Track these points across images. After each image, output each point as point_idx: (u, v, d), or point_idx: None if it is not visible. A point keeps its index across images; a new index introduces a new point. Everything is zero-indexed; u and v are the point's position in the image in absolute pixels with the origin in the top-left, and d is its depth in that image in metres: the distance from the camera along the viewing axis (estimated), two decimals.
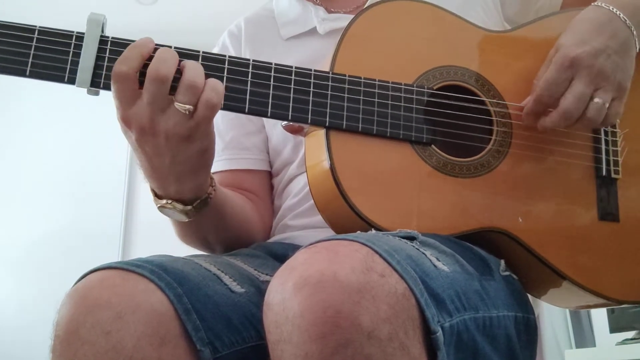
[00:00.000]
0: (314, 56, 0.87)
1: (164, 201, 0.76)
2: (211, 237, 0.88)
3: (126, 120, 0.69)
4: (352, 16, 0.82)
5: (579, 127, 0.82)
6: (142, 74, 0.68)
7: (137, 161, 0.74)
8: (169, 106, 0.68)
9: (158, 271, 0.63)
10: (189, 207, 0.77)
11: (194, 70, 0.68)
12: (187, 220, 0.79)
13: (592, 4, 0.84)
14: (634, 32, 0.81)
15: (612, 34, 0.80)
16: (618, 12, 0.81)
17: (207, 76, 0.70)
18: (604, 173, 0.84)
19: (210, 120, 0.70)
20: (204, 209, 0.78)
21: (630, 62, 0.81)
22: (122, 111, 0.69)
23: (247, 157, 0.98)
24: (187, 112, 0.67)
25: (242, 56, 1.01)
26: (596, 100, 0.77)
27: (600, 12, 0.82)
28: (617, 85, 0.79)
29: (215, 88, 0.69)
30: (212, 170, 0.99)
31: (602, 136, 0.86)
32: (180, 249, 0.87)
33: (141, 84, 0.68)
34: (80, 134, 3.51)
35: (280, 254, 0.86)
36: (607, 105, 0.78)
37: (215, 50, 1.05)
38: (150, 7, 3.41)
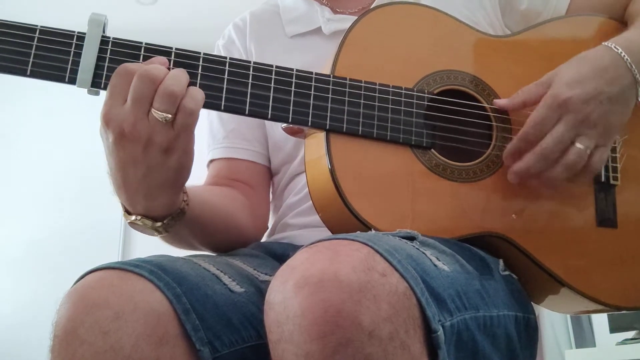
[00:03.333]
0: (318, 56, 0.87)
1: (134, 217, 0.73)
2: (196, 243, 0.87)
3: (107, 119, 0.66)
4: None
5: (559, 174, 0.75)
6: None
7: (108, 170, 0.70)
8: (151, 112, 0.66)
9: (157, 271, 0.63)
10: (159, 224, 0.74)
11: (174, 78, 0.66)
12: (159, 236, 0.77)
13: (604, 43, 0.80)
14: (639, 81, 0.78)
15: (611, 80, 0.76)
16: (626, 58, 0.77)
17: (207, 78, 0.70)
18: (602, 179, 0.84)
19: (190, 129, 0.68)
20: (176, 225, 0.76)
21: (625, 111, 0.78)
22: (108, 108, 0.67)
23: (247, 148, 0.98)
24: (165, 121, 0.65)
25: (247, 49, 1.01)
26: (577, 145, 0.74)
27: (607, 55, 0.78)
28: (602, 132, 0.75)
29: (194, 96, 0.67)
30: (211, 157, 0.99)
31: None
32: (180, 249, 0.87)
33: None
34: (80, 134, 3.49)
35: (279, 254, 0.86)
36: (588, 151, 0.75)
37: (220, 42, 1.05)
38: (150, 7, 3.42)
